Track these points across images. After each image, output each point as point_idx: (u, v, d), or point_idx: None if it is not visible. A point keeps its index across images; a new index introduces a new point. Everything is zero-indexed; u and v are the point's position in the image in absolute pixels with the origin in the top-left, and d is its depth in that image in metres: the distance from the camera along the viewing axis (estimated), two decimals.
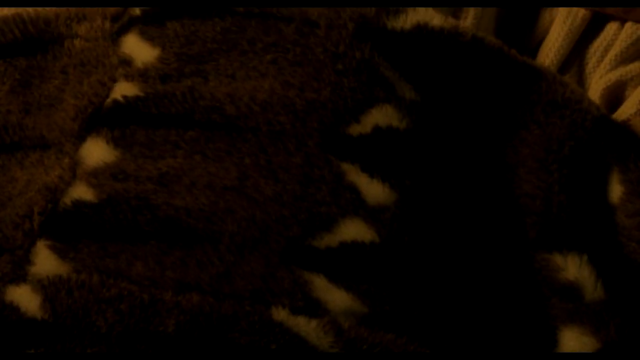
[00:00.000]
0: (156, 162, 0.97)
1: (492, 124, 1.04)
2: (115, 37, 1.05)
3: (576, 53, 1.22)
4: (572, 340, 0.97)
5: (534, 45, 1.23)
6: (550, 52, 1.21)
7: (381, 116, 0.99)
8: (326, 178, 0.95)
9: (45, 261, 0.95)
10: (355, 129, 0.98)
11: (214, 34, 1.02)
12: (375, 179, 0.96)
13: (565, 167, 1.02)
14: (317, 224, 0.94)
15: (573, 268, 0.99)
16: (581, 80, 1.21)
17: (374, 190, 0.96)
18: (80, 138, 1.01)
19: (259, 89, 0.99)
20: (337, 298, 0.93)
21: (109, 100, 1.01)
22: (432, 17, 1.04)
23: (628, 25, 1.22)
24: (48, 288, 0.93)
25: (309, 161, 0.96)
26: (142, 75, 1.01)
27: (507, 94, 1.05)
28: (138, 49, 1.03)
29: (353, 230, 0.94)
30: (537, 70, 1.06)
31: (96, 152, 0.99)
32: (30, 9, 1.09)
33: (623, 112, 1.13)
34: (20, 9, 1.10)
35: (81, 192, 0.97)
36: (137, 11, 1.06)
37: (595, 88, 1.18)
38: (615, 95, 1.17)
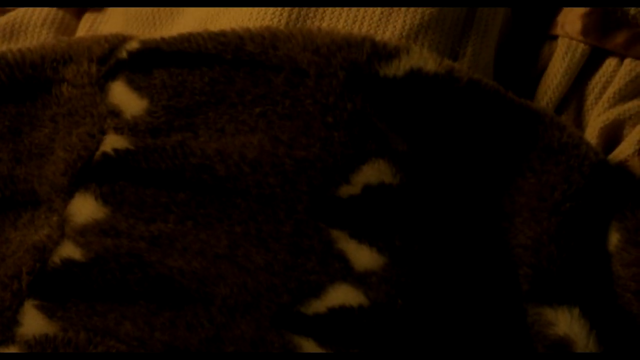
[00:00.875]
0: (148, 225, 0.96)
1: (488, 172, 1.03)
2: (103, 82, 1.03)
3: (575, 88, 1.21)
4: None
5: (533, 79, 1.21)
6: (549, 89, 1.19)
7: (373, 172, 0.97)
8: (316, 248, 0.94)
9: (33, 321, 0.95)
10: (346, 191, 0.97)
11: (202, 85, 1.01)
12: (363, 244, 0.95)
13: (555, 215, 1.01)
14: (306, 292, 0.94)
15: (563, 323, 0.98)
16: (579, 116, 1.20)
17: (361, 256, 0.95)
18: (69, 194, 1.00)
19: (248, 145, 0.98)
20: None
21: (98, 153, 1.00)
22: (426, 62, 1.02)
23: (627, 61, 1.21)
24: (34, 347, 0.94)
25: (299, 230, 0.95)
26: (132, 129, 1.00)
27: (504, 139, 1.04)
28: (127, 100, 1.02)
29: (341, 295, 0.94)
30: (534, 112, 1.05)
31: (85, 208, 0.98)
32: (14, 49, 1.07)
33: (621, 152, 1.12)
34: (5, 49, 1.08)
35: (69, 251, 0.97)
36: (124, 54, 1.04)
37: (594, 126, 1.16)
38: (614, 133, 1.16)
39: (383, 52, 1.02)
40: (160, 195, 0.97)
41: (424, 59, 1.02)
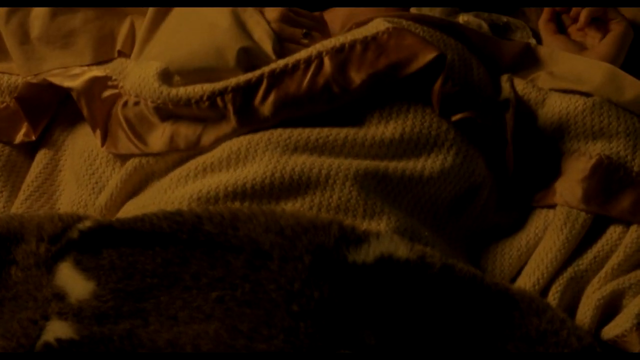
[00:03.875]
0: None
1: None
2: (51, 263, 0.96)
3: (573, 257, 1.12)
4: None
5: (525, 253, 1.14)
6: (542, 263, 1.11)
7: None
8: None
9: None
10: None
11: (154, 267, 0.94)
12: None
13: None
14: None
15: None
16: (576, 286, 1.12)
17: None
18: None
19: (203, 336, 0.91)
20: None
21: (40, 342, 0.93)
22: (397, 247, 0.96)
23: (634, 228, 1.13)
24: None
25: None
26: (76, 314, 0.94)
27: (480, 327, 0.97)
28: (72, 282, 0.95)
29: None
30: (511, 298, 0.98)
31: None
32: None
33: (618, 326, 1.06)
34: None
35: None
36: (75, 233, 0.97)
37: (592, 297, 1.09)
38: (613, 303, 1.09)
39: (352, 236, 0.96)
40: None
41: (394, 244, 0.96)
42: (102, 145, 1.14)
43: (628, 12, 1.34)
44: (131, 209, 1.10)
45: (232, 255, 0.94)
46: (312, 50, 1.12)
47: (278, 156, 1.07)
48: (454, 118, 1.12)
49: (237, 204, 1.03)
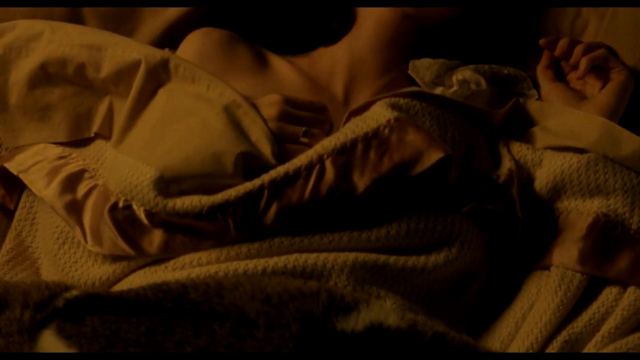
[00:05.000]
0: None
1: None
2: (34, 330, 0.94)
3: (567, 319, 1.09)
4: None
5: (521, 319, 1.12)
6: (536, 326, 1.09)
7: None
8: None
9: None
10: None
11: (137, 335, 0.92)
12: None
13: None
14: None
15: None
16: (571, 349, 1.10)
17: None
18: None
19: None
20: None
21: None
22: (388, 316, 0.94)
23: (631, 290, 1.10)
24: None
25: None
26: None
27: None
28: (54, 350, 0.94)
29: None
30: None
31: None
32: None
33: None
34: None
35: None
36: (61, 302, 0.96)
37: None
38: None
39: (341, 304, 0.94)
40: None
41: (384, 312, 0.94)
42: (86, 242, 1.14)
43: (629, 60, 1.32)
44: (120, 286, 1.09)
45: (217, 324, 0.92)
46: (313, 154, 1.10)
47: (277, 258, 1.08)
48: (464, 210, 1.11)
49: None
